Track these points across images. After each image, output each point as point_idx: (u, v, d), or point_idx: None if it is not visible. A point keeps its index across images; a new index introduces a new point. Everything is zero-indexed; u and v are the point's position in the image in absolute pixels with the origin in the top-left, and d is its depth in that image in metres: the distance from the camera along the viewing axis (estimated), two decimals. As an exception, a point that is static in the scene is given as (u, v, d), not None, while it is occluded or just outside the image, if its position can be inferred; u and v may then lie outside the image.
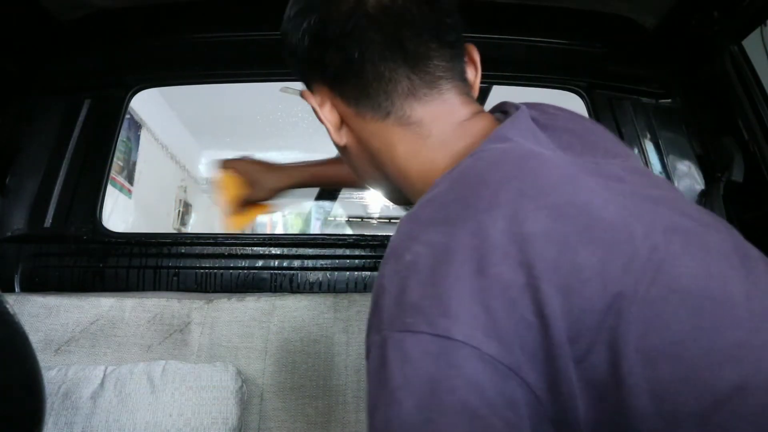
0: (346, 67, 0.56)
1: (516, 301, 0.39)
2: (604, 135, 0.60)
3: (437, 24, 0.56)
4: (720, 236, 0.47)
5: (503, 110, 0.59)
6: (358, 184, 1.07)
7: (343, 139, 0.61)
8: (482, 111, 0.59)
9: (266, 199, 1.06)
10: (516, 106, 0.57)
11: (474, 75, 0.61)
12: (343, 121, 0.60)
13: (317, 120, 0.64)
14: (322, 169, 1.07)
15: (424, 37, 0.55)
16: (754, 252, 0.48)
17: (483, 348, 0.38)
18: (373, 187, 0.68)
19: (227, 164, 1.05)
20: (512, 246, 0.41)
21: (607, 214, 0.44)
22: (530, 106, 0.58)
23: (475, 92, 0.61)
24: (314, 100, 0.61)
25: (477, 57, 0.62)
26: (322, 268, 1.27)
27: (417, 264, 0.43)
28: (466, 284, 0.40)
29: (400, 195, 0.64)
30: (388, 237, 1.28)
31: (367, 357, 0.44)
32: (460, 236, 0.42)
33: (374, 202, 5.41)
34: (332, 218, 5.21)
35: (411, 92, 0.56)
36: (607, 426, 0.40)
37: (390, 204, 0.73)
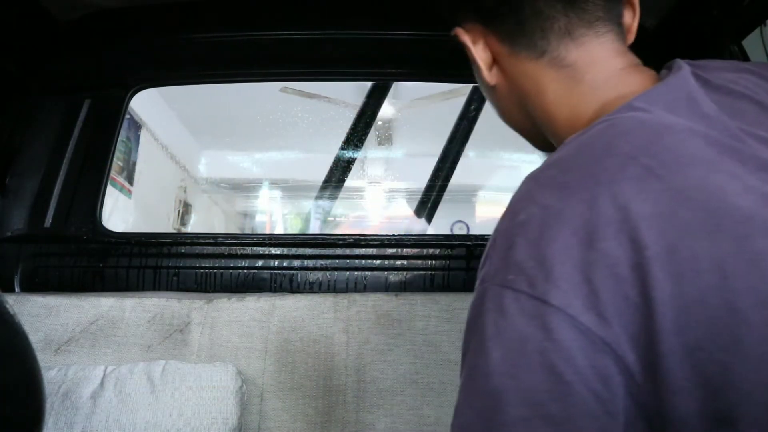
0: (502, 3, 0.55)
1: (622, 278, 0.39)
2: None
3: None
4: None
5: (670, 68, 0.55)
6: None
7: (494, 78, 0.60)
8: (639, 63, 0.56)
9: None
10: (680, 65, 0.53)
11: (632, 18, 0.60)
12: (494, 60, 0.60)
13: (466, 57, 0.63)
14: None
15: None
16: None
17: (580, 318, 0.38)
18: (516, 130, 0.66)
19: None
20: (627, 224, 0.40)
21: (743, 203, 0.40)
22: (700, 66, 0.54)
23: (632, 36, 0.60)
24: (467, 38, 0.60)
25: (637, 4, 0.60)
26: (322, 268, 1.27)
27: (528, 224, 0.43)
28: (572, 253, 0.40)
29: (544, 140, 0.62)
30: (388, 237, 1.29)
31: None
32: (575, 204, 0.42)
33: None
34: (332, 218, 5.21)
35: (567, 31, 0.54)
36: (710, 428, 0.38)
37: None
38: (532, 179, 0.48)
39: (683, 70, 0.52)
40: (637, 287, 0.39)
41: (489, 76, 0.60)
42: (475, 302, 0.44)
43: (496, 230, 0.47)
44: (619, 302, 0.39)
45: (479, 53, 0.60)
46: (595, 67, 0.54)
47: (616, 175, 0.43)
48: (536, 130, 0.61)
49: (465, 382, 0.44)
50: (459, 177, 1.98)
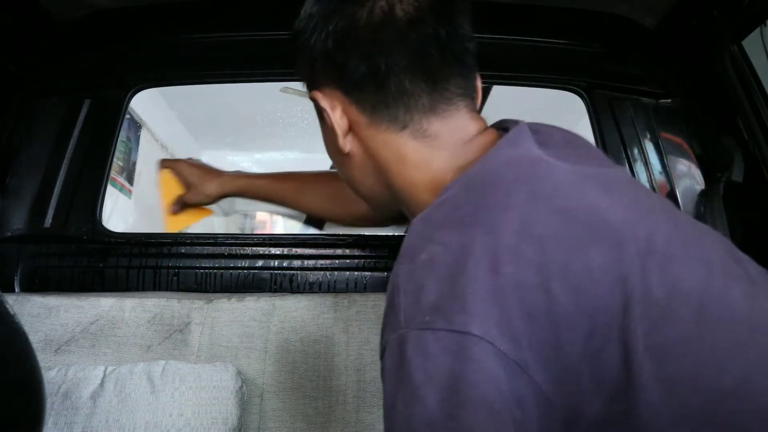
0: (368, 76, 0.56)
1: (527, 299, 0.40)
2: (593, 148, 0.63)
3: (460, 47, 0.57)
4: (713, 240, 0.49)
5: (504, 127, 0.61)
6: (311, 209, 1.07)
7: (348, 146, 0.61)
8: (488, 127, 0.60)
9: (204, 203, 1.09)
10: (515, 122, 0.59)
11: (477, 96, 0.63)
12: (349, 128, 0.60)
13: (318, 121, 0.63)
14: (274, 184, 1.07)
15: (447, 58, 0.56)
16: (743, 255, 0.50)
17: (497, 344, 0.39)
18: (365, 197, 0.67)
19: (165, 164, 1.07)
20: (525, 246, 0.42)
21: (613, 217, 0.45)
22: (527, 124, 0.60)
23: (479, 95, 0.64)
24: (326, 103, 0.60)
25: (479, 83, 0.64)
26: (322, 268, 1.27)
27: (434, 262, 0.44)
28: (481, 282, 0.41)
29: (392, 208, 0.64)
30: (387, 237, 1.28)
31: (382, 356, 0.45)
32: (475, 236, 0.44)
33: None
34: (332, 218, 5.20)
35: (431, 108, 0.57)
36: (617, 425, 0.41)
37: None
38: (423, 220, 0.48)
39: (520, 123, 0.58)
40: (543, 305, 0.40)
41: (343, 142, 0.60)
42: (391, 352, 0.43)
43: (396, 275, 0.47)
44: (527, 323, 0.40)
45: (336, 119, 0.59)
46: (456, 136, 0.58)
47: (505, 203, 0.45)
48: (388, 198, 0.63)
49: None
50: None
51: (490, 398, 0.38)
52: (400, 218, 0.67)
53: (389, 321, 0.46)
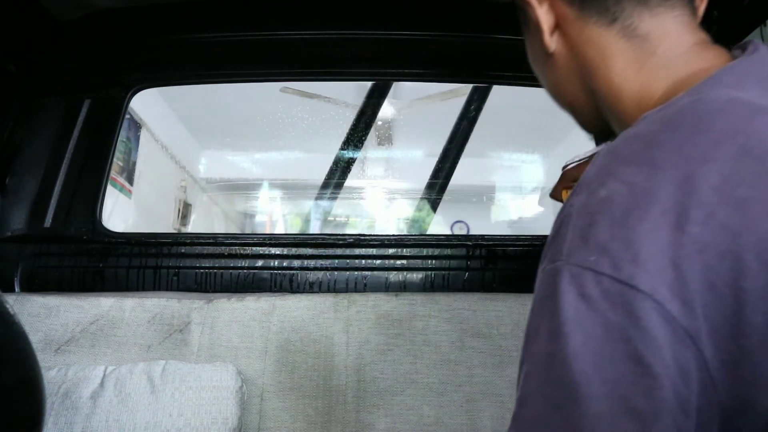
0: None
1: (712, 266, 0.36)
2: None
3: None
4: None
5: (744, 47, 0.51)
6: None
7: (554, 44, 0.56)
8: (711, 41, 0.52)
9: None
10: (756, 47, 0.49)
11: (700, 1, 0.56)
12: (556, 25, 0.55)
13: (522, 26, 0.59)
14: None
15: None
16: None
17: (666, 305, 0.36)
18: (565, 105, 0.61)
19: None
20: (722, 207, 0.37)
21: None
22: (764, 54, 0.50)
23: (698, 18, 0.56)
24: None
25: None
26: (322, 268, 1.27)
27: (611, 202, 0.40)
28: (661, 236, 0.37)
29: (595, 118, 0.59)
30: (388, 237, 1.29)
31: (537, 282, 0.43)
32: (665, 183, 0.39)
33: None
34: (332, 218, 5.20)
35: (642, 3, 0.51)
36: None
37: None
38: (611, 153, 0.44)
39: (759, 50, 0.48)
40: (728, 276, 0.36)
41: (549, 41, 0.56)
42: (545, 282, 0.41)
43: (570, 205, 0.43)
44: (705, 291, 0.36)
45: (543, 14, 0.55)
46: (669, 40, 0.51)
47: (710, 153, 0.39)
48: (590, 107, 0.58)
49: (536, 369, 0.39)
50: (461, 177, 1.98)
51: (645, 360, 0.35)
52: (606, 132, 0.60)
53: (550, 250, 0.42)
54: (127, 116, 2.38)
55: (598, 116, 0.58)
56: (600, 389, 0.36)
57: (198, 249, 1.27)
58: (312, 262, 1.27)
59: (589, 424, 0.35)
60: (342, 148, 1.96)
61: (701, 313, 0.36)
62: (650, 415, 0.35)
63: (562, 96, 0.60)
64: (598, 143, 0.64)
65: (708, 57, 0.50)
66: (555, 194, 1.10)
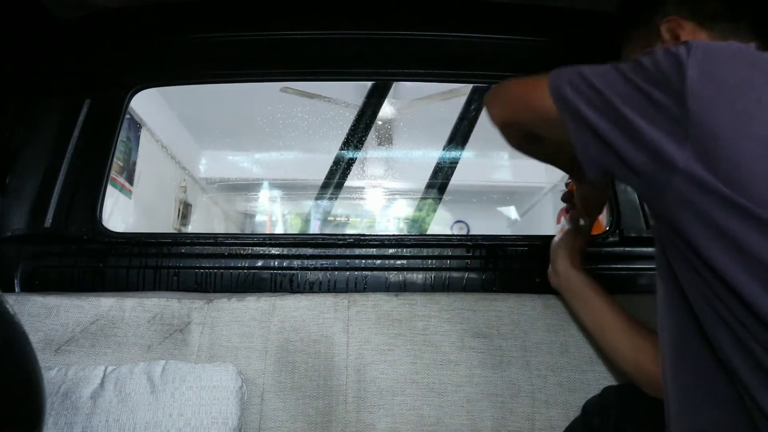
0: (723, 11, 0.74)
1: None
2: None
3: None
4: None
5: None
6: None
7: None
8: None
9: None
10: None
11: None
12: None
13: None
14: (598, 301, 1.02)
15: None
16: None
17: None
18: None
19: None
20: None
21: None
22: None
23: None
24: (670, 30, 0.79)
25: None
26: (322, 268, 1.27)
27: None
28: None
29: None
30: (388, 237, 1.29)
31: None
32: None
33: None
34: (332, 218, 5.20)
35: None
36: None
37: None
38: None
39: None
40: None
41: None
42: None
43: None
44: None
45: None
46: None
47: None
48: None
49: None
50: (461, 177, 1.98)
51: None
52: None
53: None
54: (127, 116, 2.38)
55: None
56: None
57: (198, 249, 1.27)
58: (312, 262, 1.27)
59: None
60: (342, 148, 1.97)
61: None
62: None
63: None
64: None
65: None
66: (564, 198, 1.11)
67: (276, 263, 1.28)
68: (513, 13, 1.29)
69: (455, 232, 5.65)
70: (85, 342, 1.09)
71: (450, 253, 1.27)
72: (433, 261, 1.27)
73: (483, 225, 6.00)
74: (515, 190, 5.78)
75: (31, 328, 1.06)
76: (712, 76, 0.52)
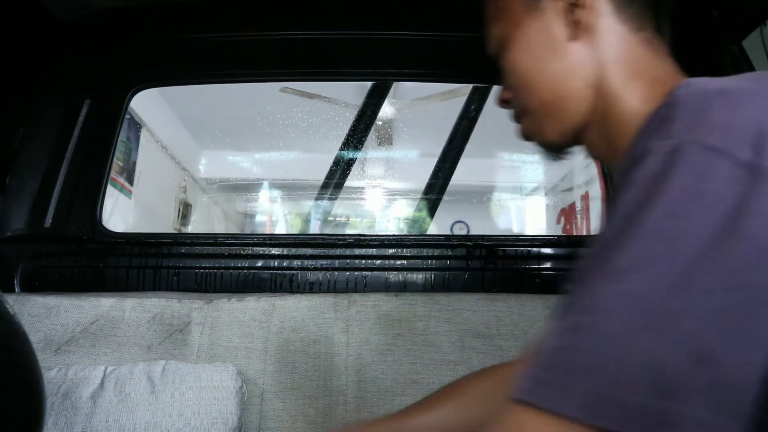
0: None
1: None
2: None
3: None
4: None
5: None
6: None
7: (581, 31, 0.58)
8: None
9: None
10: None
11: None
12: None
13: (526, 7, 0.61)
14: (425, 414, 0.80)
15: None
16: None
17: None
18: (555, 102, 0.61)
19: None
20: None
21: None
22: None
23: None
24: None
25: None
26: (322, 268, 1.27)
27: (728, 91, 0.40)
28: None
29: (577, 123, 0.60)
30: (388, 237, 1.29)
31: (634, 164, 0.41)
32: None
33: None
34: (332, 218, 5.20)
35: (658, 27, 0.60)
36: None
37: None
38: (700, 83, 0.44)
39: None
40: None
41: (578, 28, 0.57)
42: (655, 159, 0.39)
43: (676, 95, 0.42)
44: None
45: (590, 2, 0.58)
46: (670, 59, 0.60)
47: None
48: (583, 106, 0.59)
49: (640, 245, 0.37)
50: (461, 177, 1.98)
51: (761, 233, 0.35)
52: (567, 142, 0.63)
53: (653, 131, 0.41)
54: (127, 116, 2.38)
55: (578, 120, 0.60)
56: (714, 265, 0.35)
57: (198, 249, 1.27)
58: (312, 262, 1.27)
59: (702, 298, 0.35)
60: (342, 149, 1.96)
61: None
62: (765, 288, 0.35)
63: (558, 88, 0.60)
64: (553, 155, 0.67)
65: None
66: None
67: (276, 263, 1.28)
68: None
69: (455, 232, 5.65)
70: (85, 342, 1.09)
71: (450, 253, 1.27)
72: (433, 261, 1.27)
73: (483, 225, 6.00)
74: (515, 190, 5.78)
75: (31, 328, 1.06)
76: None
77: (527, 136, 0.67)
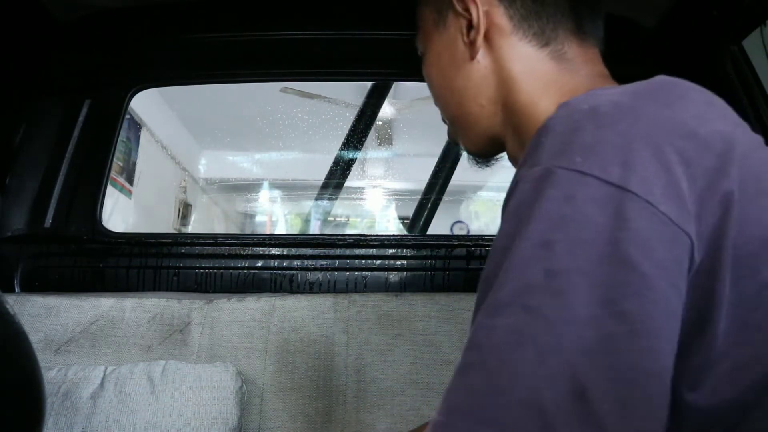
0: None
1: (707, 169, 0.37)
2: None
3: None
4: None
5: None
6: None
7: (478, 51, 0.57)
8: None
9: None
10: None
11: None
12: (485, 35, 0.57)
13: (433, 21, 0.60)
14: None
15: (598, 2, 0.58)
16: None
17: (660, 207, 0.35)
18: (462, 117, 0.61)
19: None
20: (703, 129, 0.39)
21: None
22: None
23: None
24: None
25: None
26: (322, 268, 1.27)
27: (597, 111, 0.39)
28: (649, 142, 0.37)
29: (489, 136, 0.60)
30: (388, 237, 1.29)
31: (510, 196, 0.41)
32: (648, 104, 0.40)
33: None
34: (332, 218, 5.20)
35: (575, 32, 0.56)
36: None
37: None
38: (575, 102, 0.43)
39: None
40: (721, 179, 0.37)
41: (474, 47, 0.57)
42: (525, 186, 0.39)
43: (551, 119, 0.41)
44: (696, 198, 0.37)
45: (480, 17, 0.56)
46: (589, 66, 0.56)
47: (685, 94, 0.42)
48: (490, 121, 0.59)
49: (511, 277, 0.37)
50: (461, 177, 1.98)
51: (634, 260, 0.34)
52: (488, 152, 0.63)
53: (528, 158, 0.40)
54: (127, 116, 2.38)
55: (492, 132, 0.60)
56: (587, 295, 0.34)
57: (198, 249, 1.27)
58: (312, 263, 1.27)
59: (575, 330, 0.33)
60: (342, 149, 1.96)
61: (694, 216, 0.36)
62: (640, 317, 0.34)
63: (466, 105, 0.60)
64: (477, 161, 0.68)
65: (613, 84, 0.55)
66: None
67: (276, 263, 1.28)
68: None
69: (455, 232, 5.65)
70: (85, 342, 1.09)
71: (450, 253, 1.27)
72: (433, 261, 1.27)
73: (483, 225, 6.00)
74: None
75: (31, 328, 1.06)
76: None
77: (453, 140, 0.67)
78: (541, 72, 0.55)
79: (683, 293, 0.36)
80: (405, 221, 5.19)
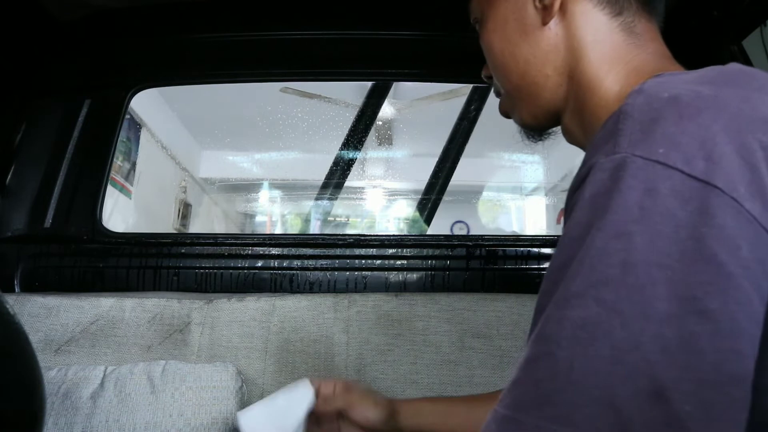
0: None
1: None
2: None
3: None
4: None
5: None
6: None
7: (552, 16, 0.55)
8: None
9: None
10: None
11: None
12: (561, 4, 0.55)
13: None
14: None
15: None
16: None
17: (745, 204, 0.33)
18: (526, 87, 0.59)
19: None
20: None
21: None
22: None
23: None
24: None
25: None
26: (322, 268, 1.27)
27: (678, 100, 0.38)
28: (733, 137, 0.35)
29: (550, 108, 0.58)
30: (388, 237, 1.29)
31: (578, 186, 0.39)
32: (730, 96, 0.38)
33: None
34: (332, 218, 5.20)
35: (645, 6, 0.55)
36: None
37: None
38: (658, 83, 0.41)
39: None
40: None
41: (549, 12, 0.55)
42: (600, 176, 0.37)
43: (625, 105, 0.40)
44: None
45: None
46: (655, 44, 0.55)
47: (764, 86, 0.40)
48: (554, 91, 0.57)
49: (584, 268, 0.35)
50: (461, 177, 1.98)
51: (720, 259, 0.32)
52: (544, 126, 0.61)
53: (600, 146, 0.38)
54: (127, 116, 2.38)
55: (553, 105, 0.58)
56: (666, 290, 0.32)
57: (198, 249, 1.27)
58: (312, 262, 1.27)
59: (653, 327, 0.32)
60: (342, 149, 1.96)
61: None
62: (723, 317, 0.32)
63: (531, 74, 0.58)
64: (530, 136, 0.65)
65: (678, 66, 0.54)
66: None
67: (276, 263, 1.28)
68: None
69: (455, 232, 5.65)
70: (85, 342, 1.09)
71: (450, 253, 1.27)
72: (433, 261, 1.27)
73: (482, 225, 6.01)
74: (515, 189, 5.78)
75: (31, 328, 1.06)
76: None
77: (504, 113, 0.66)
78: (610, 43, 0.54)
79: (765, 297, 0.34)
80: (405, 221, 5.19)
